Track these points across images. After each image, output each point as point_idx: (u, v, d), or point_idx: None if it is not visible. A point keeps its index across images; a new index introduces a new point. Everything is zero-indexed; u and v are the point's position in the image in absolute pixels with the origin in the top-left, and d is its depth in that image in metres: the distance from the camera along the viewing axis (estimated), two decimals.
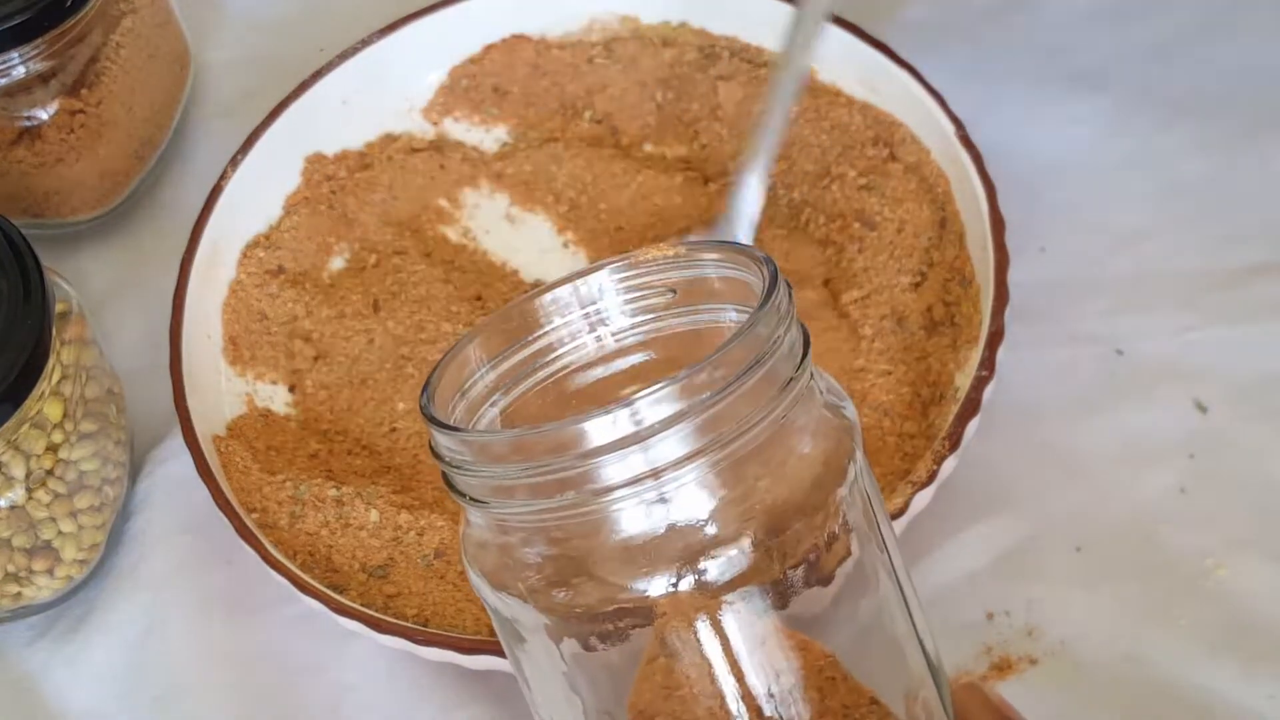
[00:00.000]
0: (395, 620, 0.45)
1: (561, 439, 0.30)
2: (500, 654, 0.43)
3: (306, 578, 0.46)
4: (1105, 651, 0.45)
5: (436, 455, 0.33)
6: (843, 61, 0.55)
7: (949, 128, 0.51)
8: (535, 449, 0.30)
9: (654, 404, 0.30)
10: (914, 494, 0.44)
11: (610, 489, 0.30)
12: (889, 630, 0.34)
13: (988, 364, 0.46)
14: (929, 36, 0.59)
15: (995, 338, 0.47)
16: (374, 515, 0.48)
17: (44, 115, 0.55)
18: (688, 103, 0.57)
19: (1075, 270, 0.53)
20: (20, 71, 0.53)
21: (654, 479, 0.30)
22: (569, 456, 0.30)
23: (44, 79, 0.54)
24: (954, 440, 0.45)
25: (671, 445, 0.30)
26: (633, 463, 0.30)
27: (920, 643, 0.34)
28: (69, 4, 0.52)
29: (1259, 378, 0.50)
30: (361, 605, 0.45)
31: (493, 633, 0.45)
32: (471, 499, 0.32)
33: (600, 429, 0.30)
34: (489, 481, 0.31)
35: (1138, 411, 0.50)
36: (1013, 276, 0.48)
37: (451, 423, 0.34)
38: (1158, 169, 0.56)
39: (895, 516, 0.44)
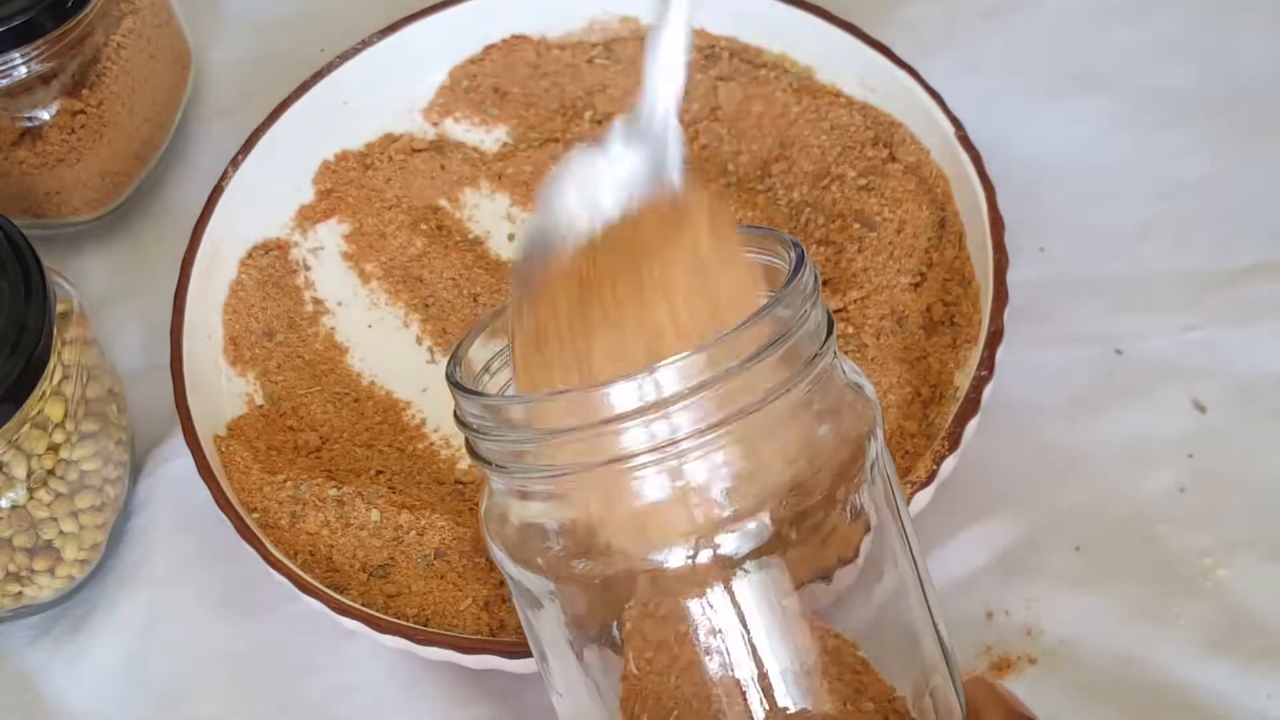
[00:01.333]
0: (395, 620, 0.45)
1: (585, 404, 0.30)
2: (500, 653, 0.43)
3: (307, 577, 0.46)
4: (1104, 651, 0.45)
5: (460, 422, 0.33)
6: (842, 61, 0.55)
7: (948, 128, 0.52)
8: (560, 413, 0.31)
9: (678, 373, 0.30)
10: (914, 494, 0.44)
11: (631, 455, 0.30)
12: (905, 614, 0.34)
13: (987, 364, 0.46)
14: (929, 36, 0.59)
15: (995, 337, 0.47)
16: (374, 515, 0.48)
17: (45, 116, 0.55)
18: (688, 103, 0.57)
19: (1075, 270, 0.53)
20: (22, 72, 0.53)
21: (674, 447, 0.30)
22: (593, 422, 0.30)
23: (45, 79, 0.54)
24: (953, 440, 0.45)
25: (693, 414, 0.30)
26: (654, 430, 0.30)
27: (935, 629, 0.35)
28: (70, 4, 0.52)
29: (1259, 378, 0.50)
30: (362, 605, 0.45)
31: (493, 632, 0.45)
32: (495, 465, 0.32)
33: (623, 395, 0.30)
34: (511, 447, 0.32)
35: (1137, 411, 0.50)
36: (1012, 276, 0.48)
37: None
38: (1158, 169, 0.56)
39: None
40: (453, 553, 0.47)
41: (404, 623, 0.45)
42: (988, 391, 0.46)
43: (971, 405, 0.45)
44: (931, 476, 0.45)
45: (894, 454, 0.47)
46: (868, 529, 0.33)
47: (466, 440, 0.33)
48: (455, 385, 0.33)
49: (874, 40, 0.54)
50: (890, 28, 0.55)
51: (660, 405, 0.30)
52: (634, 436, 0.30)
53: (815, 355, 0.32)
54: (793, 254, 0.33)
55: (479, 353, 0.36)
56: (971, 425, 0.45)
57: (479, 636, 0.45)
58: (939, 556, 0.48)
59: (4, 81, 0.53)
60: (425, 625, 0.45)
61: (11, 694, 0.49)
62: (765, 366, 0.31)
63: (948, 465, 0.45)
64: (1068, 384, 0.51)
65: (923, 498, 0.45)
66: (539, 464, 0.31)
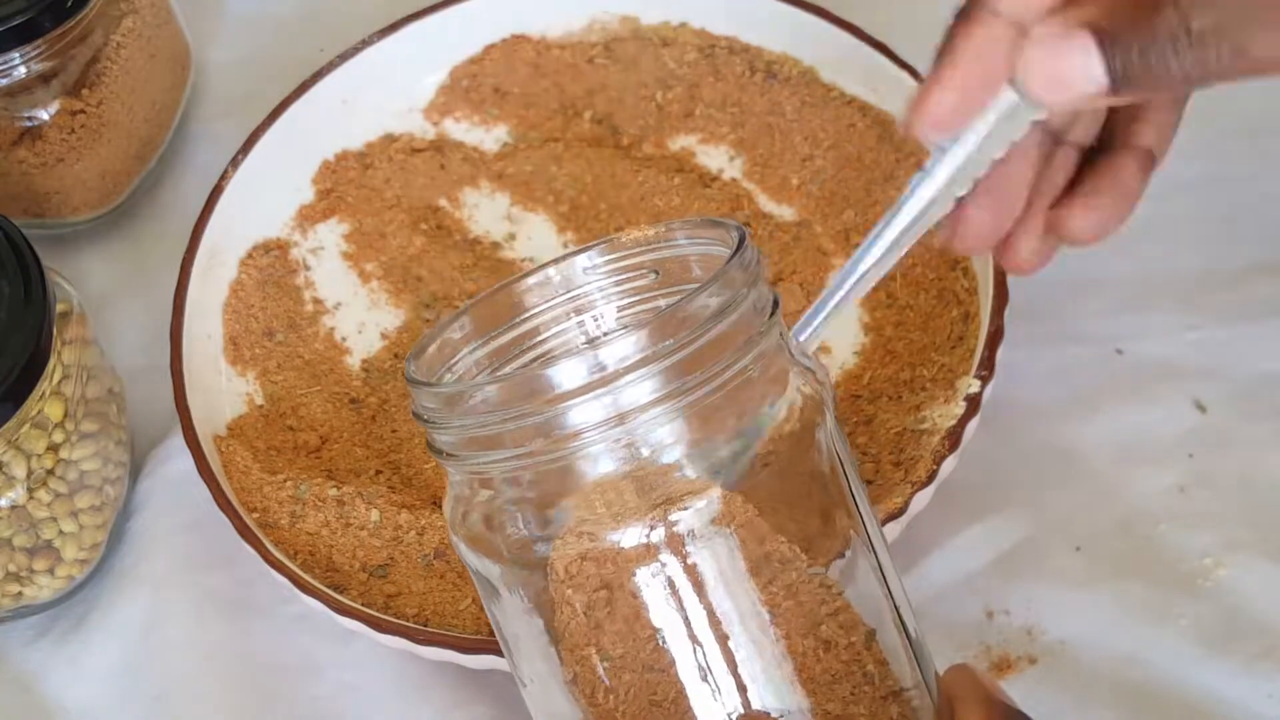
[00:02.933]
0: (395, 620, 0.45)
1: (531, 385, 0.31)
2: (500, 653, 0.43)
3: (307, 577, 0.46)
4: (1105, 651, 0.45)
5: (418, 416, 0.34)
6: (843, 62, 0.55)
7: None
8: (507, 396, 0.31)
9: (620, 349, 0.30)
10: (913, 494, 0.44)
11: (579, 434, 0.31)
12: (866, 600, 0.34)
13: (987, 364, 0.46)
14: (929, 37, 0.59)
15: (995, 337, 0.47)
16: (374, 515, 0.48)
17: (45, 115, 0.55)
18: (688, 103, 0.57)
19: (1075, 270, 0.53)
20: (21, 72, 0.53)
21: (621, 423, 0.31)
22: (538, 401, 0.31)
23: (45, 79, 0.54)
24: (953, 440, 0.45)
25: (637, 390, 0.31)
26: (600, 406, 0.31)
27: (899, 618, 0.34)
28: (70, 4, 0.52)
29: (1259, 378, 0.50)
30: (362, 605, 0.45)
31: (493, 632, 0.45)
32: (449, 455, 0.33)
33: (568, 374, 0.31)
34: (464, 433, 0.32)
35: (1137, 411, 0.50)
36: (1012, 276, 0.48)
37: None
38: (1158, 169, 0.56)
39: (895, 516, 0.44)
40: (452, 552, 0.47)
41: (404, 623, 0.45)
42: (988, 392, 0.46)
43: (972, 405, 0.45)
44: (931, 477, 0.45)
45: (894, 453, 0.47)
46: (821, 510, 0.34)
47: (426, 436, 0.34)
48: (410, 380, 0.34)
49: (874, 40, 0.54)
50: (890, 28, 0.55)
51: (605, 381, 0.30)
52: (581, 413, 0.31)
53: (759, 332, 0.32)
54: (735, 235, 0.34)
55: (439, 353, 0.36)
56: (971, 425, 0.45)
57: (479, 636, 0.45)
58: (939, 556, 0.48)
59: (4, 81, 0.53)
60: (425, 625, 0.46)
61: (11, 694, 0.49)
62: (708, 342, 0.31)
63: (948, 465, 0.45)
64: (1068, 384, 0.51)
65: (923, 498, 0.44)
66: (492, 449, 0.32)
